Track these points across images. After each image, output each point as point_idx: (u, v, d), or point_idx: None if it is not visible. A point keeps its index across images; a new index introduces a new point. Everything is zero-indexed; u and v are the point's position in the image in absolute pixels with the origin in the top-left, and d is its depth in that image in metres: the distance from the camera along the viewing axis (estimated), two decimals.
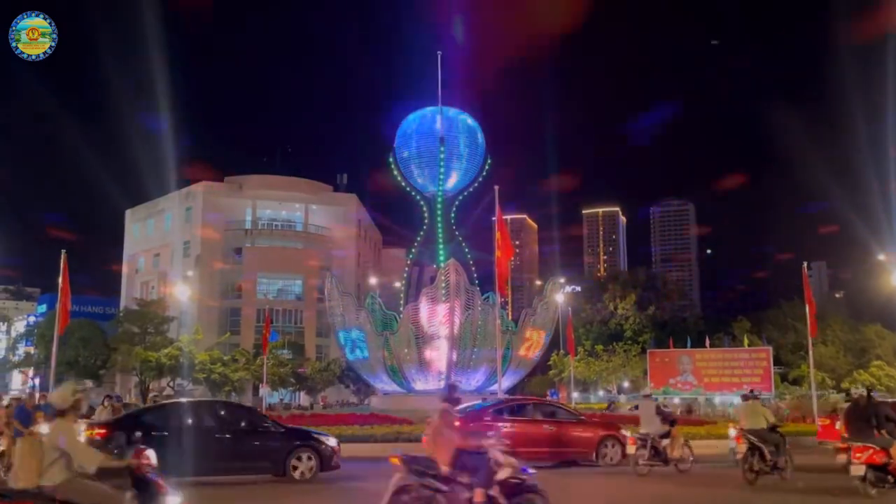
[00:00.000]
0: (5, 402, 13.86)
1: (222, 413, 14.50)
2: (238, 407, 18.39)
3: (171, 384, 48.87)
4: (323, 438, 14.13)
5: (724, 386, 41.64)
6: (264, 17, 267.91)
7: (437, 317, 29.05)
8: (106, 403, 14.70)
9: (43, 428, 14.98)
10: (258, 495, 12.47)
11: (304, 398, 58.87)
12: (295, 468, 13.33)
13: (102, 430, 12.66)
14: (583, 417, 19.28)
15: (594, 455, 16.56)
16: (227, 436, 13.50)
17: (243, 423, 14.10)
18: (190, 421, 13.55)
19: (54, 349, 21.11)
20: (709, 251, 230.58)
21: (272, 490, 12.75)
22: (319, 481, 13.29)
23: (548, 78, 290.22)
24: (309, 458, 13.44)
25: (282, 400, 56.84)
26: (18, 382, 68.49)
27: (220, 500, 11.52)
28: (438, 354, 29.27)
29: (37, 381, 58.98)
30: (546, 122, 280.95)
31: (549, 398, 52.58)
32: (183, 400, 18.28)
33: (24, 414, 12.76)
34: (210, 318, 61.11)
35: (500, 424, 15.43)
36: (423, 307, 29.39)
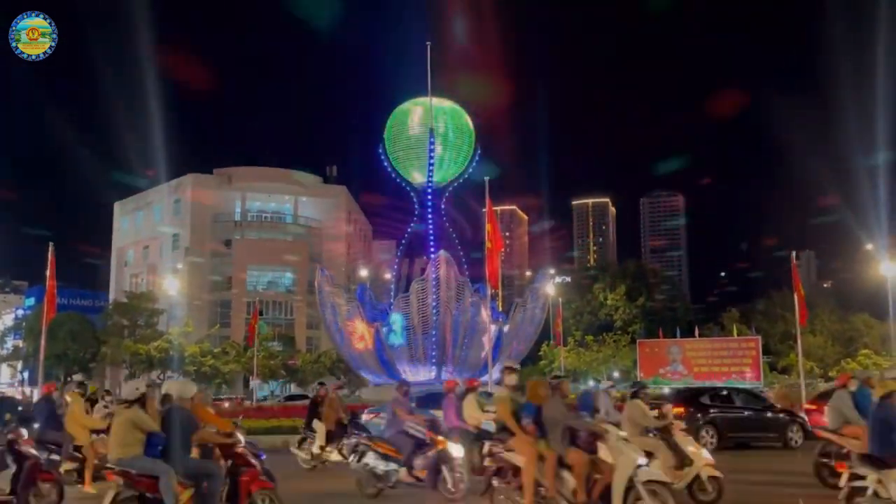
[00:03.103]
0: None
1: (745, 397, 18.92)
2: (751, 393, 21.59)
3: (161, 377, 48.66)
4: (802, 416, 17.46)
5: (713, 375, 41.79)
6: (254, 7, 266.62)
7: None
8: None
9: None
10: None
11: (294, 390, 58.63)
12: (790, 439, 17.07)
13: (681, 408, 15.66)
14: None
15: None
16: (751, 414, 17.68)
17: (757, 404, 18.35)
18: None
19: (42, 342, 21.04)
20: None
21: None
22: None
23: (539, 69, 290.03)
24: (797, 431, 17.22)
25: (272, 392, 56.32)
26: (7, 376, 68.07)
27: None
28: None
29: (25, 374, 58.63)
30: (536, 112, 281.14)
31: None
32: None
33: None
34: (200, 311, 60.91)
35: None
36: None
